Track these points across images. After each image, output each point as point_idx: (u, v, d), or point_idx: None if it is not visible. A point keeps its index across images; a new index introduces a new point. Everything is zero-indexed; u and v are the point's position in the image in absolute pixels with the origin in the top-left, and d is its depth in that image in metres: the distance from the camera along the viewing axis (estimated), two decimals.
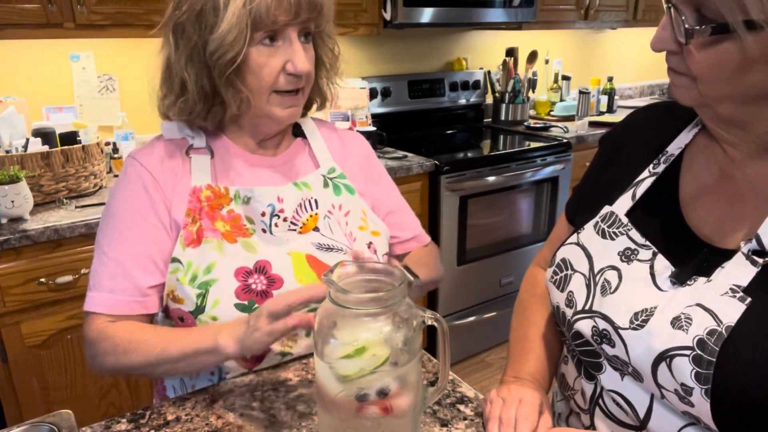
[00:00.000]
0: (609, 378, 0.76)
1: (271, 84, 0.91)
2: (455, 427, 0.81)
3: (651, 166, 0.82)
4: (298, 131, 1.09)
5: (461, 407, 0.86)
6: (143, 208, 0.93)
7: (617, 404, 0.76)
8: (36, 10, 1.72)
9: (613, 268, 0.77)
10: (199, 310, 0.90)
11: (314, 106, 1.08)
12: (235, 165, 0.99)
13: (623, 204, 0.81)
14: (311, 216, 1.01)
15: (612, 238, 0.79)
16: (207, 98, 0.92)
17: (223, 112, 0.94)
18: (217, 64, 0.88)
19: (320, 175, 1.04)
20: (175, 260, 0.92)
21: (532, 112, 3.38)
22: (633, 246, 0.77)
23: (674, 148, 0.81)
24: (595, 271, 0.78)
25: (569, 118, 3.24)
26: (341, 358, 0.67)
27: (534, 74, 3.23)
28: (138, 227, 0.92)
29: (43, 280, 1.62)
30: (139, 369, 0.89)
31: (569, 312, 0.79)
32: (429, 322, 0.72)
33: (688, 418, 0.69)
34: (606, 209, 0.82)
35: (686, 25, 0.62)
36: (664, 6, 0.66)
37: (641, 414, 0.73)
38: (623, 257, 0.77)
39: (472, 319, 2.67)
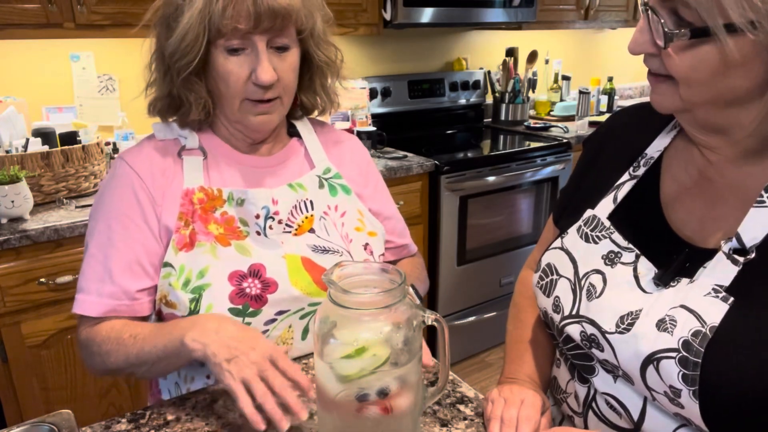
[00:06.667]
0: (602, 381, 0.76)
1: (239, 92, 0.90)
2: (455, 427, 0.81)
3: (631, 169, 0.82)
4: (293, 131, 1.08)
5: (461, 407, 0.86)
6: (130, 211, 0.92)
7: (611, 407, 0.76)
8: (36, 10, 1.72)
9: (598, 271, 0.77)
10: (193, 314, 0.89)
11: (316, 112, 1.07)
12: (228, 166, 0.98)
13: (605, 207, 0.81)
14: (306, 217, 1.00)
15: (595, 242, 0.79)
16: (173, 99, 0.94)
17: (191, 115, 0.94)
18: (174, 67, 0.89)
19: (315, 176, 1.03)
20: (167, 265, 0.91)
21: (532, 112, 3.38)
22: (616, 249, 0.77)
23: (653, 150, 0.82)
24: (580, 275, 0.78)
25: (569, 118, 3.24)
26: (341, 358, 0.67)
27: (534, 74, 3.23)
28: (125, 230, 0.91)
29: (43, 280, 1.62)
30: (125, 369, 0.90)
31: (557, 317, 0.79)
32: (429, 322, 0.72)
33: (680, 419, 0.69)
34: (588, 213, 0.82)
35: (665, 29, 0.62)
36: (641, 8, 0.66)
37: (635, 417, 0.73)
38: (607, 260, 0.77)
39: (472, 319, 2.67)
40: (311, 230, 0.99)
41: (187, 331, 0.81)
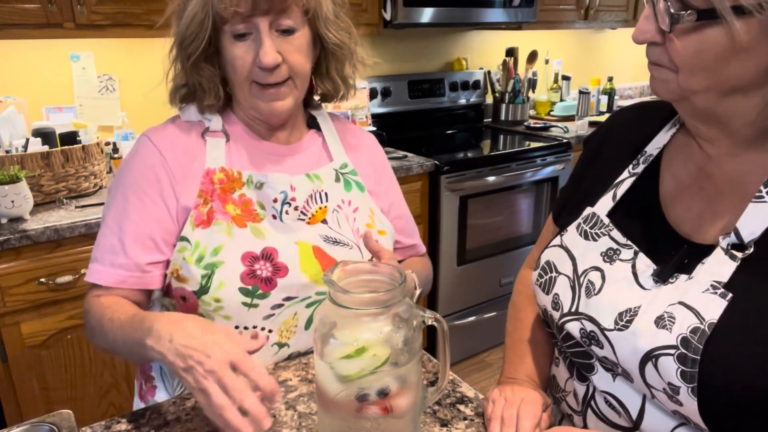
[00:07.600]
0: (601, 379, 0.76)
1: (246, 77, 0.92)
2: (455, 427, 0.81)
3: (630, 166, 0.83)
4: (312, 123, 1.09)
5: (461, 407, 0.86)
6: (148, 187, 0.94)
7: (610, 405, 0.76)
8: (36, 10, 1.72)
9: (596, 268, 0.77)
10: (203, 290, 0.90)
11: (335, 100, 1.08)
12: (249, 151, 1.00)
13: (604, 205, 0.82)
14: (321, 208, 1.01)
15: (594, 239, 0.80)
16: (190, 88, 0.97)
17: (204, 101, 0.97)
18: (185, 53, 0.93)
19: (332, 169, 1.05)
20: (183, 239, 0.93)
21: (532, 112, 3.38)
22: (615, 246, 0.77)
23: (652, 148, 0.82)
24: (579, 272, 0.78)
25: (569, 118, 3.24)
26: (341, 359, 0.67)
27: (534, 74, 3.23)
28: (141, 204, 0.93)
29: (43, 280, 1.62)
30: (108, 351, 0.91)
31: (556, 315, 0.80)
32: (429, 322, 0.72)
33: (679, 418, 0.69)
34: (588, 210, 0.83)
35: (672, 10, 0.62)
36: None
37: (634, 415, 0.73)
38: (606, 258, 0.77)
39: (472, 319, 2.67)
40: (324, 221, 1.01)
41: (147, 335, 0.76)
